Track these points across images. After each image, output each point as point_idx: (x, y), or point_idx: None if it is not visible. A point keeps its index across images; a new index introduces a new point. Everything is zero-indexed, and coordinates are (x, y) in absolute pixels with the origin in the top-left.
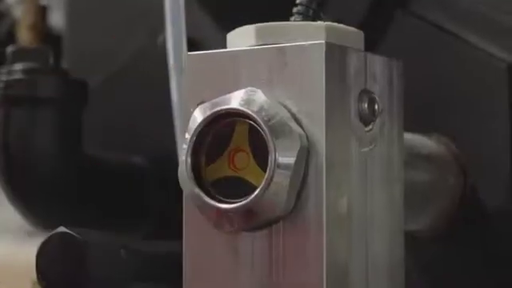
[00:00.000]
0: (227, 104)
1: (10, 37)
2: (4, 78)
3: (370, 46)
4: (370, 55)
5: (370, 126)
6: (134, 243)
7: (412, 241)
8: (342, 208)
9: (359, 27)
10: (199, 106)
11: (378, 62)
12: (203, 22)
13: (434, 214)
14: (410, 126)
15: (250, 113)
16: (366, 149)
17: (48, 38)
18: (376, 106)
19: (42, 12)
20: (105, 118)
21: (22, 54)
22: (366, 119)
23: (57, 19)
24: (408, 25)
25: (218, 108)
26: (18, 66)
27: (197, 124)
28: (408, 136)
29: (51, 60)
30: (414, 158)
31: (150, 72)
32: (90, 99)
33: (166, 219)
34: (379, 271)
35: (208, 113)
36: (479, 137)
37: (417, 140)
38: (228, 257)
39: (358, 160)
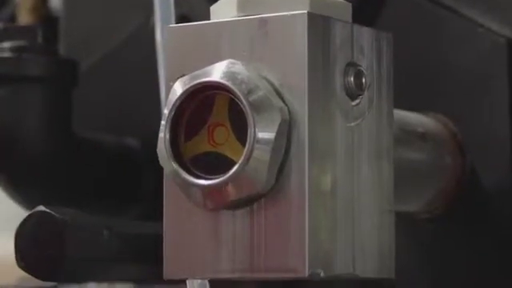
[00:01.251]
0: (207, 77)
1: (14, 20)
2: None
3: (365, 21)
4: (357, 27)
5: (357, 101)
6: (118, 224)
7: (409, 221)
8: (326, 185)
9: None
10: (179, 80)
11: (365, 35)
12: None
13: (431, 194)
14: (406, 103)
15: (230, 86)
16: (352, 124)
17: (48, 20)
18: (363, 80)
19: None
20: (100, 98)
21: (10, 33)
22: (353, 93)
23: (57, 1)
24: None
25: (197, 81)
26: (6, 44)
27: (175, 98)
28: (402, 113)
29: (40, 38)
30: (408, 136)
31: (146, 53)
32: (85, 80)
33: (159, 201)
34: (367, 253)
35: (187, 86)
36: (478, 115)
37: (412, 117)
38: (209, 236)
39: (344, 135)
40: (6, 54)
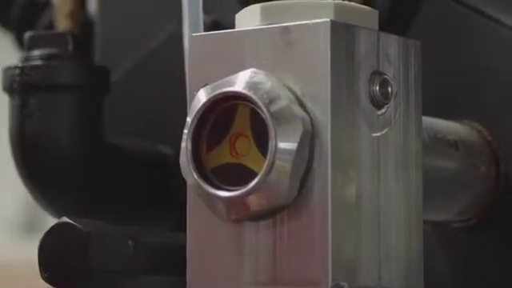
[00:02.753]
0: (229, 86)
1: (53, 27)
2: (20, 64)
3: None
4: (383, 34)
5: (383, 110)
6: (144, 235)
7: (443, 231)
8: (350, 196)
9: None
10: (202, 89)
11: (392, 42)
12: (231, 6)
13: (464, 203)
14: (439, 111)
15: (252, 96)
16: (378, 133)
17: (86, 25)
18: (389, 89)
19: None
20: (134, 105)
21: (39, 40)
22: (378, 102)
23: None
24: (434, 4)
25: (219, 91)
26: (36, 52)
27: (198, 107)
28: (433, 121)
29: (71, 46)
30: (438, 144)
31: (179, 60)
32: (120, 86)
33: None
34: (393, 263)
35: (209, 96)
36: None
37: (443, 125)
38: (232, 247)
39: (369, 145)
40: (36, 62)
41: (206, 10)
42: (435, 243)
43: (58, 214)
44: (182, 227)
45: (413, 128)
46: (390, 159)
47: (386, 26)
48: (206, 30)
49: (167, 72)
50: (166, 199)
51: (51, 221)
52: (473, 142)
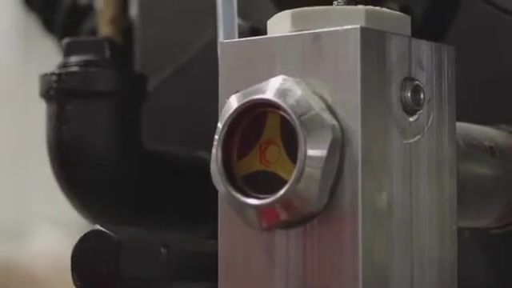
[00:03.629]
0: (260, 94)
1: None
2: (58, 71)
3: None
4: (415, 41)
5: (416, 116)
6: (176, 242)
7: (480, 237)
8: (381, 203)
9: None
10: (232, 96)
11: (424, 48)
12: (270, 11)
13: (501, 209)
14: (476, 116)
15: (282, 104)
16: (410, 140)
17: (128, 31)
18: (421, 95)
19: (123, 4)
20: (173, 111)
21: (77, 46)
22: (410, 109)
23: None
24: (471, 9)
25: (249, 98)
26: (73, 59)
27: (228, 115)
28: (468, 126)
29: (108, 52)
30: (474, 151)
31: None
32: (159, 92)
33: None
34: (427, 270)
35: (239, 103)
36: None
37: (479, 131)
38: (263, 255)
39: (401, 152)
40: (73, 69)
41: (244, 16)
42: (473, 249)
43: (96, 221)
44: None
45: (446, 134)
46: (422, 166)
47: (422, 31)
48: (244, 36)
49: (206, 78)
50: (204, 206)
51: None
52: (510, 148)
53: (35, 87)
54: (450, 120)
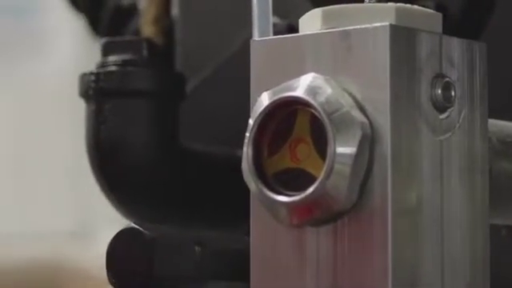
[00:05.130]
0: (290, 91)
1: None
2: (96, 70)
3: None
4: (446, 38)
5: (446, 113)
6: (211, 240)
7: None
8: (411, 201)
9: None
10: (263, 94)
11: (456, 45)
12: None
13: None
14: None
15: (311, 101)
16: (441, 137)
17: (171, 31)
18: (452, 92)
19: (165, 5)
20: (212, 111)
21: (115, 46)
22: (441, 106)
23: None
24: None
25: (279, 96)
26: (111, 58)
27: (259, 112)
28: (502, 124)
29: (145, 52)
30: (508, 148)
31: None
32: (199, 92)
33: None
34: (458, 268)
35: (269, 101)
36: None
37: None
38: (294, 253)
39: (432, 150)
40: (111, 68)
41: (281, 15)
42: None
43: (134, 219)
44: None
45: (478, 131)
46: (453, 163)
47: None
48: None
49: (244, 78)
50: (242, 204)
51: None
52: None
53: None
54: (482, 117)
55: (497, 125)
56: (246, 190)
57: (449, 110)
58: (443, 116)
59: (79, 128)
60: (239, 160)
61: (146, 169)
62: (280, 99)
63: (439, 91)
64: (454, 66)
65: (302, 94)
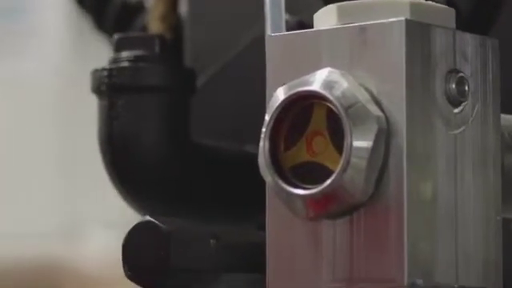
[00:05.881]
0: (306, 86)
1: (146, 30)
2: (108, 66)
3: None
4: (459, 33)
5: (460, 108)
6: (226, 233)
7: None
8: (426, 194)
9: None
10: (279, 88)
11: (469, 41)
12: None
13: None
14: None
15: (328, 95)
16: (455, 131)
17: (178, 28)
18: (466, 87)
19: (173, 1)
20: (222, 106)
21: (127, 42)
22: (455, 100)
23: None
24: None
25: (296, 90)
26: (124, 54)
27: (275, 107)
28: None
29: (157, 48)
30: None
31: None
32: (208, 88)
33: None
34: (471, 262)
35: (286, 95)
36: None
37: None
38: (310, 245)
39: (446, 143)
40: (124, 64)
41: (292, 11)
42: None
43: (146, 214)
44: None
45: (491, 126)
46: (467, 157)
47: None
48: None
49: (253, 74)
50: (253, 199)
51: None
52: None
53: (85, 88)
54: (495, 112)
55: (507, 119)
56: (257, 185)
57: (463, 104)
58: (457, 110)
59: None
60: (249, 155)
61: (159, 164)
62: (296, 93)
63: (453, 86)
64: (468, 61)
65: (319, 88)
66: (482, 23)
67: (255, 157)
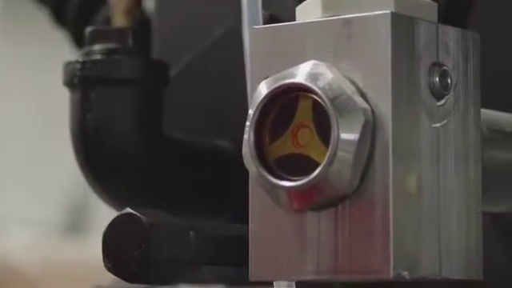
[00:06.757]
0: (291, 78)
1: (109, 23)
2: (81, 59)
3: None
4: (442, 27)
5: (443, 101)
6: (204, 226)
7: (499, 223)
8: (411, 186)
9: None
10: (263, 81)
11: (451, 34)
12: (288, 2)
13: None
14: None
15: (313, 87)
16: (438, 124)
17: (142, 22)
18: (449, 80)
19: None
20: (190, 100)
21: (100, 35)
22: (438, 93)
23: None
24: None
25: (281, 82)
26: (96, 47)
27: (260, 99)
28: (490, 113)
29: (131, 41)
30: (496, 136)
31: (237, 53)
32: (176, 81)
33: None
34: (453, 254)
35: (271, 88)
36: None
37: (499, 117)
38: (294, 237)
39: (430, 136)
40: (97, 57)
41: (263, 6)
42: (492, 234)
43: (119, 207)
44: (238, 220)
45: (472, 119)
46: (449, 150)
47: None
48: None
49: (224, 67)
50: (223, 193)
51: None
52: None
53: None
54: (475, 105)
55: (485, 113)
56: (227, 179)
57: (445, 97)
58: (440, 103)
59: None
60: (217, 148)
61: (132, 157)
62: (282, 86)
63: (437, 79)
64: (450, 55)
65: (304, 80)
66: (459, 14)
67: (225, 150)
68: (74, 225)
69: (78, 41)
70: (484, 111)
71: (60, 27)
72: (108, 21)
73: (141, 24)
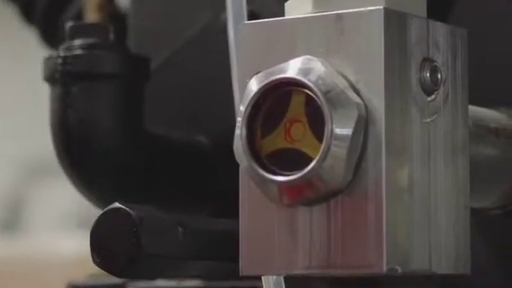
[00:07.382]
0: (283, 73)
1: (81, 19)
2: (62, 53)
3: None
4: (432, 23)
5: (433, 96)
6: (192, 221)
7: (483, 218)
8: (403, 181)
9: None
10: (254, 76)
11: (441, 30)
12: None
13: (504, 189)
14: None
15: (307, 82)
16: (428, 119)
17: (115, 17)
18: (439, 76)
19: None
20: (169, 96)
21: (81, 30)
22: (429, 89)
23: None
24: None
25: (274, 77)
26: (77, 42)
27: (251, 95)
28: (475, 108)
29: (111, 36)
30: (481, 132)
31: (215, 49)
32: (155, 77)
33: (231, 199)
34: (443, 249)
35: (263, 83)
36: None
37: (484, 113)
38: (285, 232)
39: (420, 131)
40: (77, 52)
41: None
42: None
43: (99, 203)
44: (217, 215)
45: (460, 114)
46: (439, 145)
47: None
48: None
49: (201, 63)
50: (202, 188)
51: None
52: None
53: None
54: (464, 101)
55: (471, 109)
56: (207, 174)
57: (435, 92)
58: (430, 98)
59: None
60: (196, 144)
61: (113, 151)
62: (274, 81)
63: (427, 74)
64: (439, 51)
65: (296, 75)
66: (441, 6)
67: (205, 145)
68: (10, 222)
69: (47, 37)
70: (471, 108)
71: (29, 24)
72: (79, 16)
73: (116, 19)
